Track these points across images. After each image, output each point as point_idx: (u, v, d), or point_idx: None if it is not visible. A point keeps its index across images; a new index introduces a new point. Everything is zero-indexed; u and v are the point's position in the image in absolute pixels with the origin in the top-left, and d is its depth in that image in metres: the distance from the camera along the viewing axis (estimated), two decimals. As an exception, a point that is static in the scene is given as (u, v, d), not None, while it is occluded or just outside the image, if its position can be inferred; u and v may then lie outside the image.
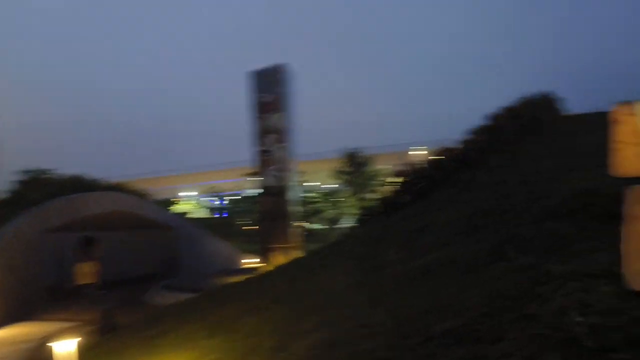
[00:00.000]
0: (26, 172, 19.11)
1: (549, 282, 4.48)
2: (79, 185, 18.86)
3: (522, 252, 5.63)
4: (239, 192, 45.92)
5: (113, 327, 9.03)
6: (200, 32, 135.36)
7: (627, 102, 6.68)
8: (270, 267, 12.96)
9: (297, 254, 15.72)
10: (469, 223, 7.15)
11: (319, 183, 47.76)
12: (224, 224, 36.25)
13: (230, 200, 44.39)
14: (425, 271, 5.99)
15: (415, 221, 8.33)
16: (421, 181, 10.17)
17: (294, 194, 16.77)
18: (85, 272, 15.11)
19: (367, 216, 10.47)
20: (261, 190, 16.87)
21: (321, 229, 37.20)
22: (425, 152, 49.82)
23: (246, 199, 42.77)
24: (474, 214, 7.37)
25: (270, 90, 16.67)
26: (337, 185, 44.82)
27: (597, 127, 11.25)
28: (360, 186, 44.36)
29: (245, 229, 37.29)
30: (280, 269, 10.12)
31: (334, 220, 40.42)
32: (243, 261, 23.27)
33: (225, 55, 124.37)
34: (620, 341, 3.28)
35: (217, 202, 46.03)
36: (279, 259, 15.10)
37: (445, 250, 6.48)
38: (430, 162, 10.58)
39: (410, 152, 52.79)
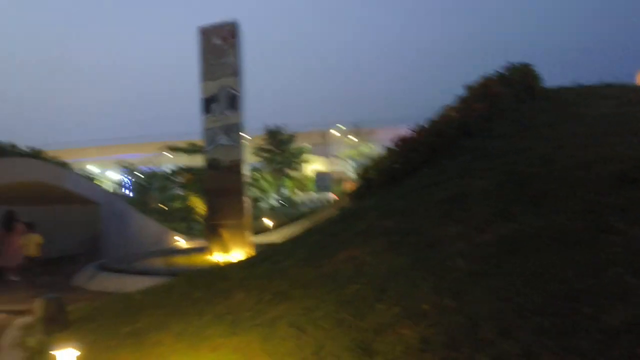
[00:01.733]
0: None
1: None
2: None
3: (630, 223, 4.77)
4: (152, 168, 42.67)
5: (63, 320, 7.14)
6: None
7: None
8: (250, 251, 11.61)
9: (249, 232, 14.33)
10: (522, 192, 6.22)
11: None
12: (136, 201, 33.30)
13: (139, 176, 41.01)
14: (511, 247, 4.94)
15: (440, 190, 7.29)
16: (421, 149, 9.18)
17: (246, 167, 15.17)
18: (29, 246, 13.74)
19: (364, 188, 9.31)
20: (205, 164, 15.10)
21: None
22: (345, 131, 49.57)
23: (158, 175, 39.95)
24: (523, 181, 6.46)
25: (221, 51, 14.76)
26: (254, 164, 43.19)
27: (589, 99, 10.92)
28: (281, 164, 43.15)
29: (160, 207, 34.76)
30: (275, 248, 8.58)
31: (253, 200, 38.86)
32: (178, 240, 21.18)
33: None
34: None
35: (127, 178, 42.23)
36: (235, 239, 13.59)
37: (514, 222, 5.47)
38: (429, 129, 9.59)
39: (332, 131, 52.31)
